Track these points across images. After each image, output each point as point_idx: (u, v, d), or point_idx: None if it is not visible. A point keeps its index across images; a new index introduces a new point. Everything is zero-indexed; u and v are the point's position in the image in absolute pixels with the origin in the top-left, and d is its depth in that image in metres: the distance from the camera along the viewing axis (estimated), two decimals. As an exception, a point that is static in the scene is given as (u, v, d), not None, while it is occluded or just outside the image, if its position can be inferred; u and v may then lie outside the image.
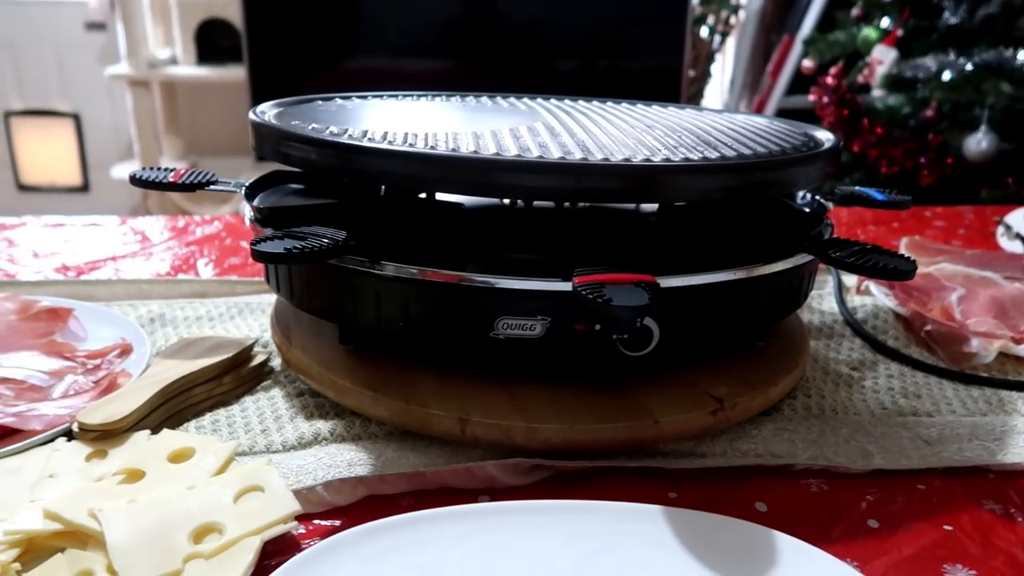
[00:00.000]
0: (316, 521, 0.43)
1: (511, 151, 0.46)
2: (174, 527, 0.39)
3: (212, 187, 0.62)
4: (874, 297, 0.74)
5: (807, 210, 0.62)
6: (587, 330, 0.47)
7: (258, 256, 0.43)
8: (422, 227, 0.54)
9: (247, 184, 0.61)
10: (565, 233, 0.56)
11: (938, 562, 0.41)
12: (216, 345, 0.58)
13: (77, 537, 0.38)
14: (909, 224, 0.98)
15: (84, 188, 3.28)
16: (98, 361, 0.57)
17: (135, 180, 0.63)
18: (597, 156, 0.46)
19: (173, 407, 0.52)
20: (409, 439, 0.48)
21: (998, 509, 0.45)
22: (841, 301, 0.72)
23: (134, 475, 0.43)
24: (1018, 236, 0.90)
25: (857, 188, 0.64)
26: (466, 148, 0.46)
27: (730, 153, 0.49)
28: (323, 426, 0.50)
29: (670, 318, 0.47)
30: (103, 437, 0.46)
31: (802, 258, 0.51)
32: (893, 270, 0.45)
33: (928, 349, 0.65)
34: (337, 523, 0.43)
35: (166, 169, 0.63)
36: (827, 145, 0.55)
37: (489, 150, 0.46)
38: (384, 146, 0.46)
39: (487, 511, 0.39)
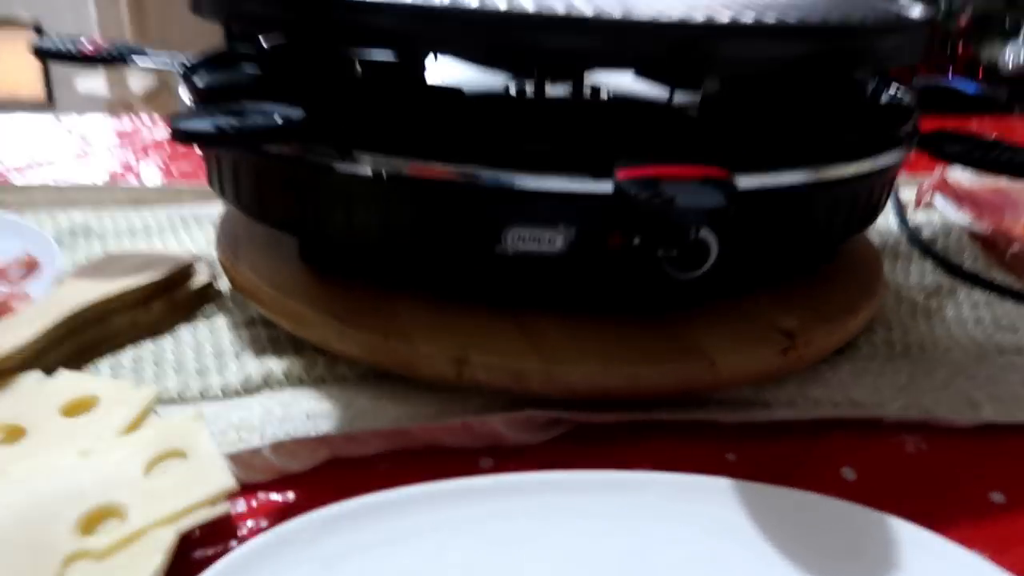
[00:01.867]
0: (262, 494, 0.32)
1: (528, 4, 0.33)
2: (56, 512, 0.27)
3: (139, 61, 0.49)
4: (939, 213, 0.63)
5: (892, 100, 0.49)
6: (623, 244, 0.35)
7: (179, 136, 0.31)
8: (409, 110, 0.41)
9: (188, 63, 0.48)
10: (591, 122, 0.44)
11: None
12: (145, 262, 0.46)
13: (-82, 524, 0.27)
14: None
15: (48, 103, 3.07)
16: (-5, 281, 0.45)
17: (40, 52, 0.49)
18: (643, 13, 0.34)
19: (82, 341, 0.40)
20: (387, 384, 0.37)
21: None
22: (902, 217, 0.61)
23: (13, 433, 0.32)
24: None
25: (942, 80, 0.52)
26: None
27: (811, 17, 0.37)
28: (276, 366, 0.38)
29: (731, 229, 0.36)
30: (-21, 380, 0.35)
31: (897, 155, 0.40)
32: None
33: (1015, 273, 0.54)
34: (290, 496, 0.32)
35: (80, 40, 0.50)
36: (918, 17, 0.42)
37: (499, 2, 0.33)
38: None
39: (496, 487, 0.28)
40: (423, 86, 0.44)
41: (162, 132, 0.78)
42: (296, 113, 0.33)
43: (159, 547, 0.26)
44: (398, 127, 0.36)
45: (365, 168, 0.35)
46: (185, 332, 0.43)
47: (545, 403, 0.35)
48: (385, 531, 0.27)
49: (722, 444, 0.36)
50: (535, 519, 0.27)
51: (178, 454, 0.30)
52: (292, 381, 0.38)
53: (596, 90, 0.45)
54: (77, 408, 0.33)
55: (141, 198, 0.61)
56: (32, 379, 0.35)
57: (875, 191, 0.42)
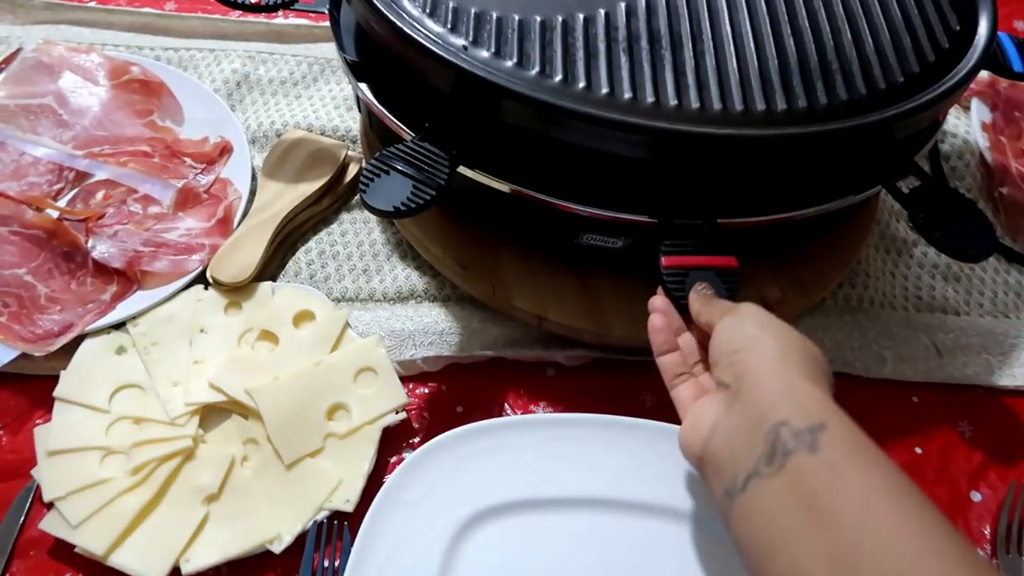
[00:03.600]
0: (411, 386, 0.54)
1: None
2: (311, 404, 0.50)
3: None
4: (970, 121, 0.71)
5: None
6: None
7: (371, 210, 0.43)
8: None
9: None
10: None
11: (896, 485, 0.52)
12: (314, 156, 0.61)
13: (239, 404, 0.50)
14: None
15: None
16: (202, 166, 0.60)
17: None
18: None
19: (281, 235, 0.58)
20: (493, 311, 0.56)
21: (968, 432, 0.55)
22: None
23: (269, 337, 0.53)
24: None
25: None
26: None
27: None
28: (418, 282, 0.57)
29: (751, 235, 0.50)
30: (234, 290, 0.54)
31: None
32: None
33: (995, 209, 0.67)
34: (430, 387, 0.54)
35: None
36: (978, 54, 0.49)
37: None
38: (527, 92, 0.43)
39: (550, 422, 0.50)
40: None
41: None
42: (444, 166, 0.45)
43: (372, 438, 0.49)
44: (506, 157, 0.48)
45: (483, 181, 0.48)
46: (348, 222, 0.60)
47: (590, 346, 0.54)
48: (491, 442, 0.49)
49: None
50: (570, 443, 0.49)
51: (370, 370, 0.51)
52: (429, 297, 0.57)
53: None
54: (301, 319, 0.53)
55: (279, 32, 0.72)
56: (266, 290, 0.55)
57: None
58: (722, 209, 0.48)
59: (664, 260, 0.45)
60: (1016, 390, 0.57)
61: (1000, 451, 0.54)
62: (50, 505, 0.46)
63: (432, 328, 0.55)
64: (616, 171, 0.46)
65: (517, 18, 0.45)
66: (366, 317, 0.55)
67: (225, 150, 0.62)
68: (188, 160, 0.61)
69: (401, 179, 0.44)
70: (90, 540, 0.44)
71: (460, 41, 0.45)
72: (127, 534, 0.45)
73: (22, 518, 0.47)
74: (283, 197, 0.58)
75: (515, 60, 0.44)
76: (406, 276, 0.57)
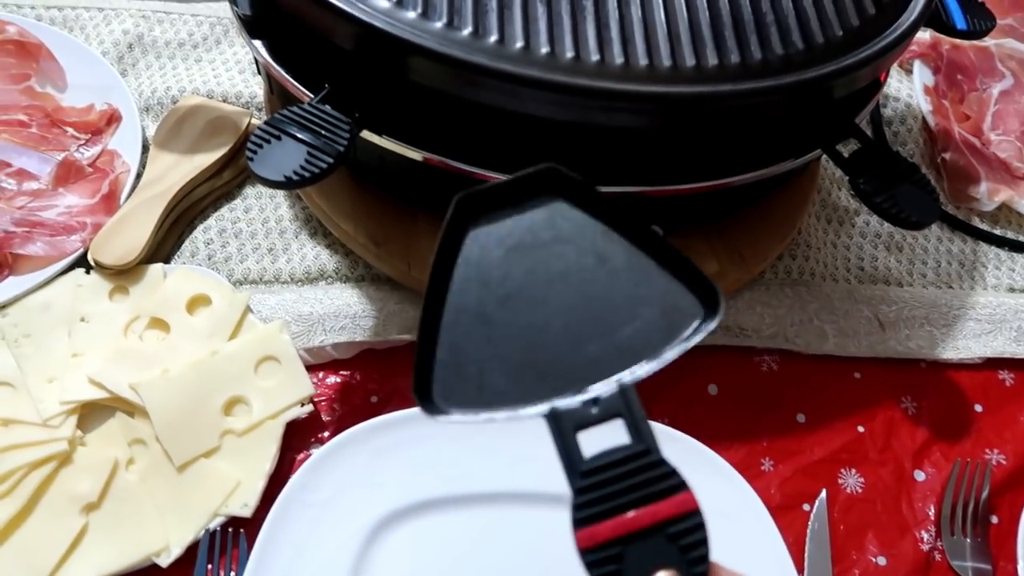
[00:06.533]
0: (320, 375, 0.49)
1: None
2: (206, 399, 0.45)
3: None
4: (912, 84, 0.69)
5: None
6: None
7: (260, 180, 0.38)
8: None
9: None
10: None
11: (838, 466, 0.50)
12: (213, 124, 0.55)
13: (125, 401, 0.45)
14: None
15: None
16: (87, 136, 0.54)
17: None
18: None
19: (176, 213, 0.52)
20: (411, 291, 0.51)
21: (911, 408, 0.53)
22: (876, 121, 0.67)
23: (159, 325, 0.47)
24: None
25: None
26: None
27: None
28: (328, 262, 0.52)
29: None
30: (120, 273, 0.49)
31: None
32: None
33: (938, 175, 0.65)
34: (341, 378, 0.49)
35: None
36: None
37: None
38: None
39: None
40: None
41: None
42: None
43: (274, 435, 0.44)
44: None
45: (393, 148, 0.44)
46: (252, 197, 0.55)
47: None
48: (408, 435, 0.44)
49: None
50: (494, 436, 0.45)
51: (273, 359, 0.47)
52: (340, 278, 0.52)
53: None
54: (195, 304, 0.48)
55: (179, -10, 0.65)
56: (157, 272, 0.49)
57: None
58: (651, 176, 0.44)
59: (578, 535, 0.26)
60: (960, 363, 0.55)
61: (944, 428, 0.52)
62: (-98, 521, 0.40)
63: (344, 311, 0.50)
64: (536, 135, 0.42)
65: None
66: (271, 301, 0.50)
67: (113, 119, 0.56)
68: (70, 130, 0.55)
69: (295, 145, 0.40)
70: (-55, 560, 0.39)
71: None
72: (-10, 552, 0.40)
73: None
74: (177, 170, 0.53)
75: (419, 10, 0.39)
76: (315, 255, 0.53)
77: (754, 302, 0.54)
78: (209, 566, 0.41)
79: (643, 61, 0.39)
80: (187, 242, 0.52)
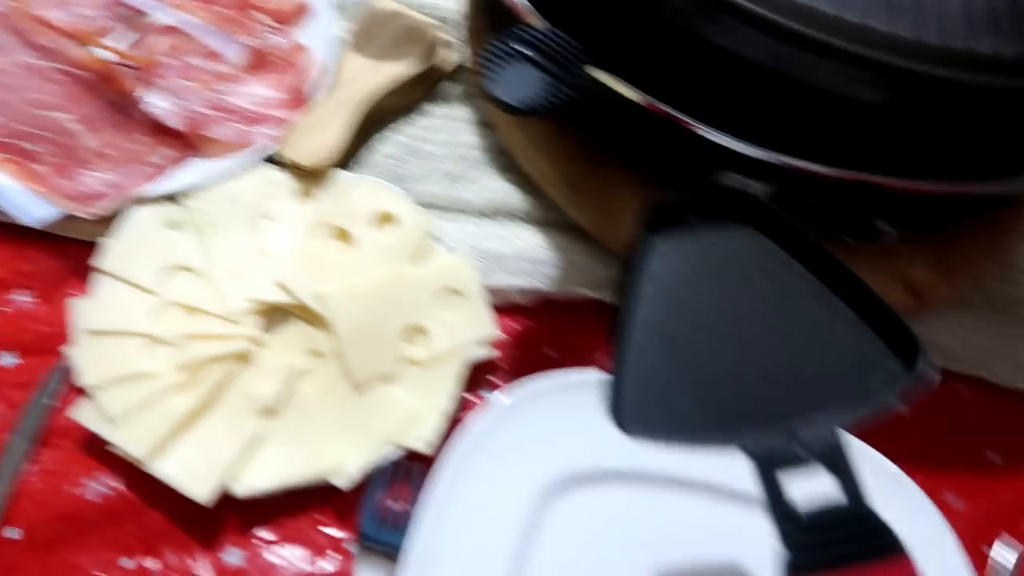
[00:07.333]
0: (497, 317, 0.47)
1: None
2: (388, 320, 0.43)
3: None
4: None
5: None
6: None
7: (497, 103, 0.36)
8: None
9: None
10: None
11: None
12: (405, 33, 0.52)
13: (305, 309, 0.43)
14: None
15: None
16: (277, 25, 0.52)
17: None
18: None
19: (366, 122, 0.50)
20: (599, 246, 0.49)
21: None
22: None
23: (342, 235, 0.46)
24: None
25: None
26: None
27: None
28: (514, 199, 0.49)
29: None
30: (309, 175, 0.47)
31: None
32: None
33: None
34: (519, 324, 0.47)
35: None
36: None
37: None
38: None
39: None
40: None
41: None
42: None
43: (455, 372, 0.43)
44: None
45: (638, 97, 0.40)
46: (439, 117, 0.52)
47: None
48: (593, 399, 0.43)
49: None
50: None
51: (457, 292, 0.45)
52: (525, 218, 0.49)
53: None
54: (381, 220, 0.46)
55: None
56: (345, 179, 0.47)
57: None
58: (895, 167, 0.40)
59: None
60: None
61: None
62: (82, 391, 0.40)
63: (525, 254, 0.48)
64: (787, 100, 0.39)
65: None
66: (451, 229, 0.48)
67: (302, 10, 0.53)
68: (261, 16, 0.52)
69: (532, 71, 0.37)
70: (130, 440, 0.38)
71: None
72: (171, 439, 0.39)
73: (55, 402, 0.41)
74: (372, 75, 0.50)
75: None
76: (503, 190, 0.50)
77: (956, 324, 0.51)
78: (383, 496, 0.40)
79: (962, 45, 0.35)
80: (367, 154, 0.50)
